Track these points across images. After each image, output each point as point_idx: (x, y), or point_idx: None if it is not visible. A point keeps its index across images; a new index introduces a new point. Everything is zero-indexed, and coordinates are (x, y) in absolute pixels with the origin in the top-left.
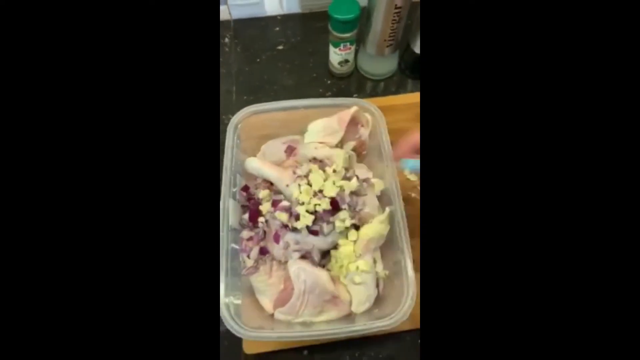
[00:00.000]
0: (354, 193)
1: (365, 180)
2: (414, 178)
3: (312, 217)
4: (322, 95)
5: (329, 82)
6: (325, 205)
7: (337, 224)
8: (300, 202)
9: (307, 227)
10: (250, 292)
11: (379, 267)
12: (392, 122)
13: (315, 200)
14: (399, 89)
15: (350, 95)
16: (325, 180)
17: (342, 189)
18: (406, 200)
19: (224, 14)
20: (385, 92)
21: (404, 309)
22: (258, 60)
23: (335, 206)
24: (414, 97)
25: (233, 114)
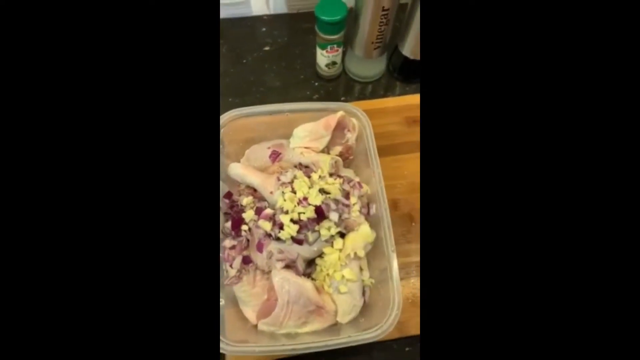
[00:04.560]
0: (339, 200)
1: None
2: None
3: (296, 226)
4: (309, 98)
5: (316, 84)
6: (309, 213)
7: (323, 232)
8: (284, 210)
9: (292, 236)
10: (234, 303)
11: (365, 274)
12: (381, 126)
13: (299, 209)
14: (387, 92)
15: (338, 98)
16: (310, 187)
17: (329, 196)
18: (392, 204)
19: None
20: (374, 95)
21: (390, 319)
22: (244, 61)
23: (320, 214)
24: (403, 100)
25: None
